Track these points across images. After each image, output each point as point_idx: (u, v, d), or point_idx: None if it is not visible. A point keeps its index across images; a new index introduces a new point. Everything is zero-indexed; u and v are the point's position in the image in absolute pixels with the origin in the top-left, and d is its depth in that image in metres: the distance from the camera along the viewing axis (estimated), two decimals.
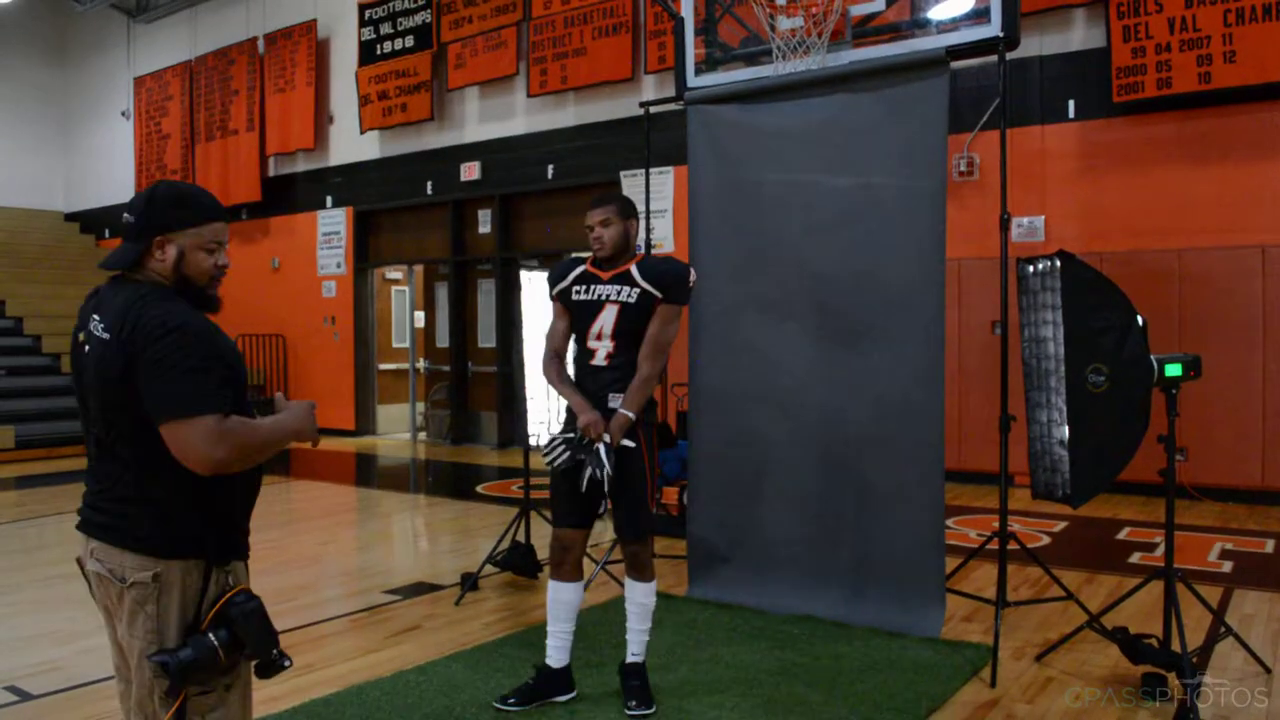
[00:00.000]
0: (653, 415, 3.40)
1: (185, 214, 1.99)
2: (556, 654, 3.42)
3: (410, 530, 7.27)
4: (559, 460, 3.24)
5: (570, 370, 3.53)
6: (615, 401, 3.31)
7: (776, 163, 4.61)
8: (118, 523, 1.94)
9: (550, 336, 3.53)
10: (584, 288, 3.40)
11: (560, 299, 3.48)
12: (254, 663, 1.98)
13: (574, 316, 3.43)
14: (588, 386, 3.37)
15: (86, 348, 1.96)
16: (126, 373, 1.86)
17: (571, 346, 3.55)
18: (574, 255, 3.55)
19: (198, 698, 1.91)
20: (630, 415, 3.26)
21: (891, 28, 4.58)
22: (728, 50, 4.99)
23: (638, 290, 3.31)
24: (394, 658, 3.98)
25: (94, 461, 2.00)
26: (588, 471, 3.18)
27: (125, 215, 1.99)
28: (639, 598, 3.42)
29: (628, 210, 3.41)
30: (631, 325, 3.32)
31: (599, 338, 3.35)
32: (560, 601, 3.40)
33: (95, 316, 1.96)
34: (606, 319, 3.33)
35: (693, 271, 3.42)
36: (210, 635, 1.88)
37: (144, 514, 1.92)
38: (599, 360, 3.36)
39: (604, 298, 3.34)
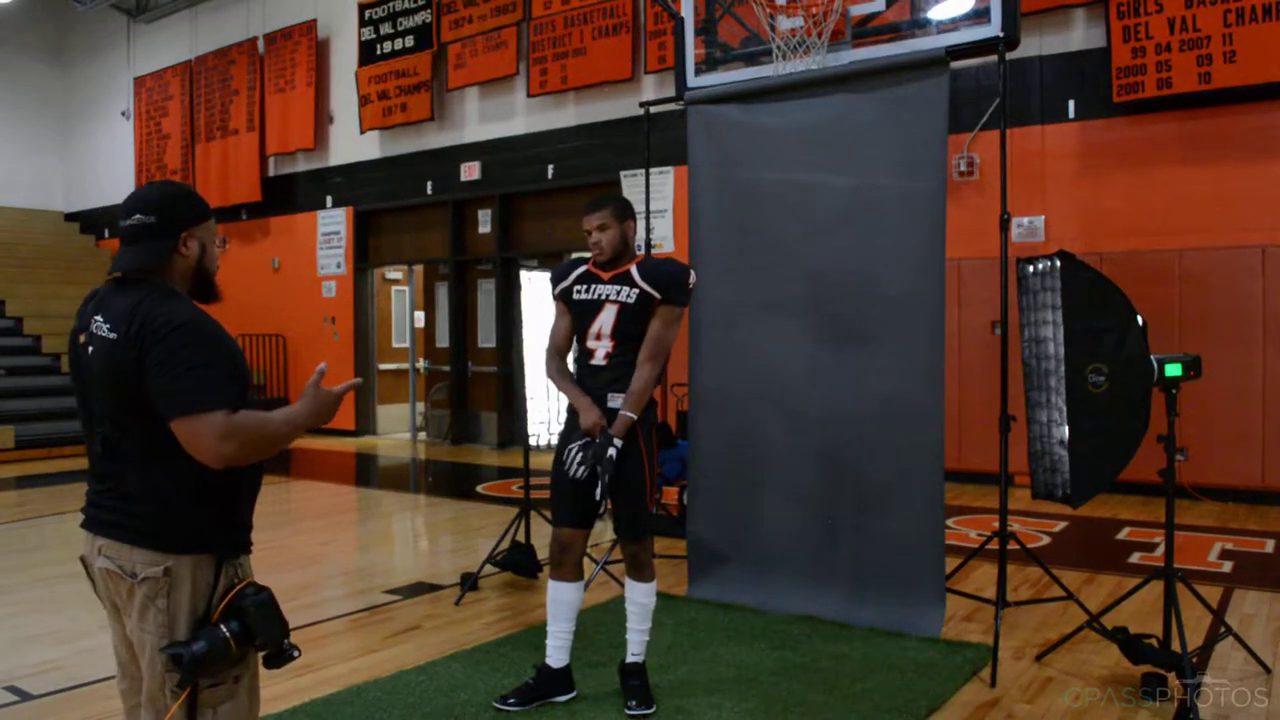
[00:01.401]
0: (653, 415, 3.42)
1: (199, 208, 2.04)
2: (556, 654, 3.42)
3: (410, 530, 7.27)
4: (579, 472, 3.26)
5: (571, 369, 3.55)
6: (615, 401, 3.32)
7: (776, 163, 4.61)
8: (126, 520, 1.95)
9: (552, 334, 3.56)
10: (585, 287, 3.43)
11: (562, 298, 3.52)
12: (262, 654, 1.99)
13: (574, 316, 3.46)
14: (587, 385, 3.39)
15: (90, 348, 1.96)
16: (136, 370, 1.87)
17: (574, 345, 3.56)
18: (577, 255, 3.56)
19: (208, 690, 1.92)
20: (632, 416, 3.28)
21: (891, 28, 4.57)
22: (728, 50, 4.98)
23: (637, 291, 3.33)
24: (394, 657, 3.98)
25: (98, 460, 2.00)
26: (601, 482, 3.22)
27: (138, 217, 1.98)
28: (639, 598, 3.43)
29: (624, 212, 3.43)
30: (630, 325, 3.34)
31: (598, 337, 3.37)
32: (560, 601, 3.41)
33: (98, 317, 1.96)
34: (606, 319, 3.36)
35: (693, 273, 3.44)
36: (222, 627, 1.90)
37: (152, 510, 1.93)
38: (598, 360, 3.38)
39: (604, 298, 3.37)
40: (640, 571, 3.43)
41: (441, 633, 4.31)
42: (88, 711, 3.48)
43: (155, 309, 1.90)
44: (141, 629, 1.94)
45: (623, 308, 3.34)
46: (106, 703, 3.52)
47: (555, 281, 3.54)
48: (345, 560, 6.11)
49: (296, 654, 1.99)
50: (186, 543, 1.94)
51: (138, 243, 1.98)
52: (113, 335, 1.91)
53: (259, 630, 1.93)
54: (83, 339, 2.00)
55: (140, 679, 2.00)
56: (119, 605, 2.00)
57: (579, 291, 3.44)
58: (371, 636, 4.30)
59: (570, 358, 3.58)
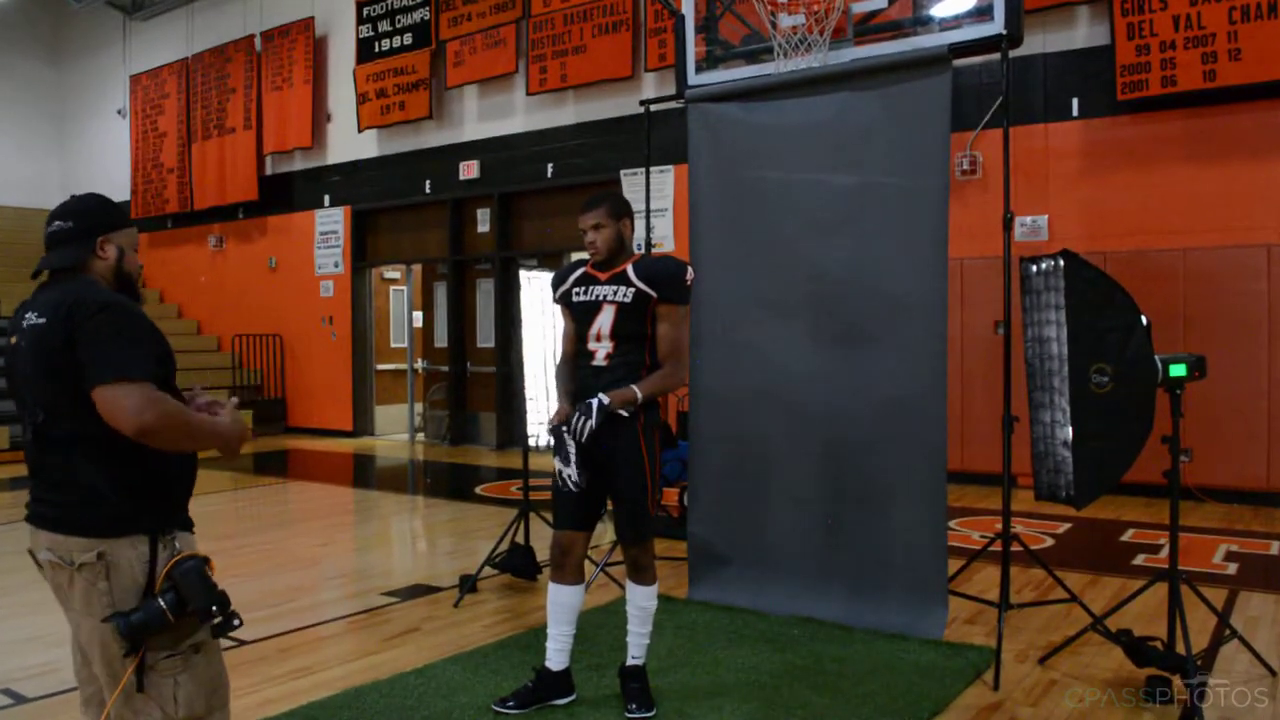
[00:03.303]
0: (656, 417, 3.36)
1: (118, 217, 2.22)
2: (557, 656, 3.40)
3: (409, 532, 7.24)
4: (582, 429, 3.15)
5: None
6: None
7: (777, 161, 4.58)
8: (60, 512, 2.06)
9: (563, 341, 3.54)
10: (583, 289, 3.40)
11: (562, 302, 3.49)
12: (212, 624, 2.08)
13: (575, 318, 3.43)
14: (589, 386, 3.32)
15: (22, 342, 2.07)
16: (66, 348, 1.98)
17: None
18: (576, 259, 3.54)
19: (165, 661, 2.05)
20: (637, 392, 3.22)
21: (894, 25, 4.54)
22: (729, 48, 4.95)
23: (633, 290, 3.30)
24: (392, 660, 3.95)
25: (35, 455, 2.10)
26: (580, 421, 3.13)
27: (57, 223, 2.16)
28: (639, 600, 3.39)
29: (620, 210, 3.38)
30: (629, 326, 3.31)
31: (598, 339, 3.34)
32: (560, 604, 3.37)
33: (29, 313, 2.10)
34: (604, 320, 3.32)
35: (690, 269, 3.38)
36: (159, 599, 2.00)
37: (80, 498, 2.04)
38: (599, 361, 3.34)
39: (602, 298, 3.34)
40: (641, 574, 3.38)
41: (440, 635, 4.28)
42: None
43: (84, 293, 2.03)
44: (88, 612, 2.03)
45: (620, 308, 3.30)
46: None
47: (555, 286, 3.52)
48: (343, 562, 6.08)
49: (237, 623, 2.08)
50: (116, 526, 2.03)
51: (58, 246, 2.15)
52: (41, 320, 2.04)
53: (189, 598, 2.00)
54: (14, 339, 2.10)
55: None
56: (65, 593, 2.10)
57: (577, 294, 3.41)
58: (370, 639, 4.27)
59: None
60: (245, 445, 2.19)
